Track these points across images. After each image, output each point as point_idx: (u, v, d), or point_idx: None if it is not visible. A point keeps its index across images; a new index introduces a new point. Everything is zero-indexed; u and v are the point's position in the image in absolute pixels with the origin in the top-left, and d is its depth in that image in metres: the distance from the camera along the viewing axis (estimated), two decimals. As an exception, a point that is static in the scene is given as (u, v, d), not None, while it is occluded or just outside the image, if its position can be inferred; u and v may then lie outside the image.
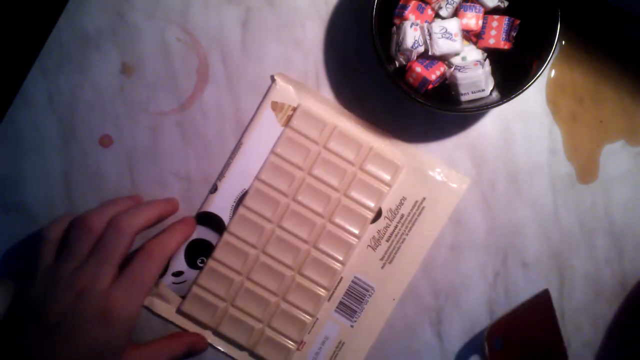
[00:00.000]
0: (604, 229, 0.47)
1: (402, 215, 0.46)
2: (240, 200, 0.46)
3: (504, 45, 0.43)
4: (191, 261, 0.46)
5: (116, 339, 0.39)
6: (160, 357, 0.42)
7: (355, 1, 0.47)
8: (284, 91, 0.46)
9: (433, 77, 0.42)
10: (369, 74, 0.47)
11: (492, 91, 0.43)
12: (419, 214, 0.46)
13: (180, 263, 0.46)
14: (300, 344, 0.46)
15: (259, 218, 0.45)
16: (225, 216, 0.46)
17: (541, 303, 0.45)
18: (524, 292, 0.47)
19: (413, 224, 0.46)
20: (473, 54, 0.43)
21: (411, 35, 0.42)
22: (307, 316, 0.46)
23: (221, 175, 0.46)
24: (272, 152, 0.46)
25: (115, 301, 0.38)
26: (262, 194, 0.45)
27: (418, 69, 0.42)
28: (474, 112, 0.42)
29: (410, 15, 0.42)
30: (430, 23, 0.42)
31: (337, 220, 0.45)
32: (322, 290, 0.45)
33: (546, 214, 0.47)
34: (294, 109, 0.46)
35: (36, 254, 0.42)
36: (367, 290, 0.46)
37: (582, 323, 0.47)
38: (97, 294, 0.38)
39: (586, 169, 0.47)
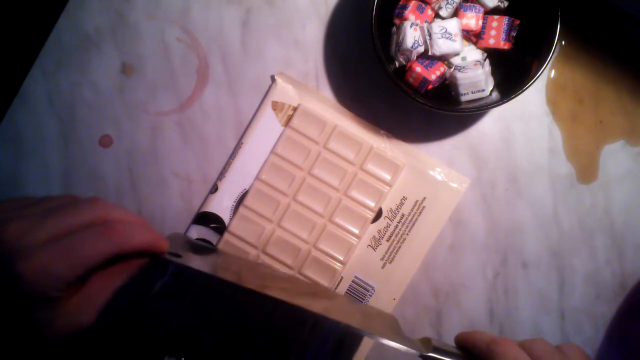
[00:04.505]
0: (604, 229, 0.47)
1: (403, 215, 0.46)
2: (240, 200, 0.46)
3: (504, 45, 0.43)
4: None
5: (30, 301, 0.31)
6: (105, 292, 0.33)
7: (355, 1, 0.47)
8: (284, 91, 0.46)
9: (433, 77, 0.42)
10: (369, 74, 0.47)
11: (492, 91, 0.43)
12: (420, 213, 0.46)
13: (180, 263, 0.46)
14: (300, 344, 0.46)
15: (260, 218, 0.45)
16: (225, 216, 0.46)
17: None
18: (524, 292, 0.47)
19: (413, 224, 0.46)
20: (473, 54, 0.43)
21: (411, 35, 0.42)
22: (307, 316, 0.46)
23: (221, 175, 0.46)
24: (273, 152, 0.46)
25: (31, 268, 0.29)
26: (262, 194, 0.45)
27: (418, 69, 0.42)
28: (474, 112, 0.42)
29: (410, 15, 0.42)
30: (430, 23, 0.42)
31: (338, 220, 0.45)
32: (322, 290, 0.45)
33: (546, 214, 0.47)
34: (294, 109, 0.46)
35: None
36: (368, 290, 0.46)
37: (582, 323, 0.47)
38: (14, 248, 0.30)
39: (586, 169, 0.47)
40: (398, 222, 0.46)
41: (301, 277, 0.45)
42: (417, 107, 0.45)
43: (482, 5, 0.43)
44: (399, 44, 0.42)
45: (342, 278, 0.46)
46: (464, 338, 0.34)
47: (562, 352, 0.32)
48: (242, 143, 0.46)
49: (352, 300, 0.45)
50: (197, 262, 0.37)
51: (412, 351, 0.32)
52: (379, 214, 0.46)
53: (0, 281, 0.29)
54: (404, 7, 0.43)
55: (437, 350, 0.33)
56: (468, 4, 0.43)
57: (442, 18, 0.43)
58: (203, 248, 0.44)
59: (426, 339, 0.34)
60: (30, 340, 0.31)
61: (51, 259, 0.30)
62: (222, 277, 0.35)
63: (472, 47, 0.44)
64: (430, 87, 0.43)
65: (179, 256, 0.35)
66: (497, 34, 0.43)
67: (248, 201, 0.45)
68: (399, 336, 0.35)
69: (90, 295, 0.32)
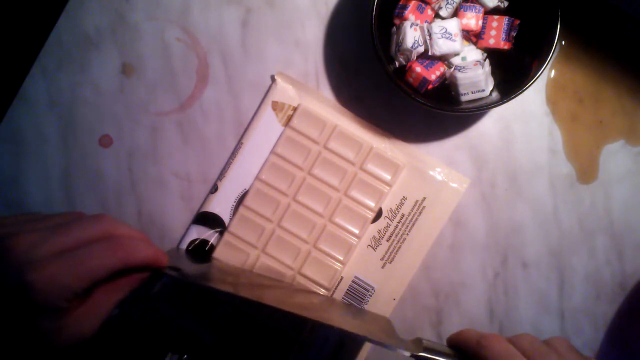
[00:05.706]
0: (604, 229, 0.47)
1: (403, 215, 0.46)
2: (240, 200, 0.46)
3: (504, 45, 0.43)
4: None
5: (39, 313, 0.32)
6: (109, 304, 0.34)
7: (355, 1, 0.47)
8: (285, 91, 0.46)
9: (433, 77, 0.42)
10: (369, 74, 0.47)
11: (492, 91, 0.43)
12: (420, 213, 0.46)
13: (180, 263, 0.46)
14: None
15: (260, 218, 0.45)
16: (225, 216, 0.46)
17: None
18: (524, 292, 0.47)
19: (413, 224, 0.46)
20: (473, 54, 0.43)
21: (411, 35, 0.42)
22: (307, 316, 0.46)
23: (221, 175, 0.46)
24: (273, 152, 0.46)
25: (41, 279, 0.30)
26: (262, 194, 0.45)
27: (418, 69, 0.42)
28: (474, 112, 0.42)
29: (410, 15, 0.42)
30: (430, 23, 0.42)
31: (338, 220, 0.45)
32: (323, 290, 0.45)
33: (546, 214, 0.47)
34: (295, 109, 0.46)
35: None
36: (368, 290, 0.46)
37: (582, 323, 0.47)
38: (24, 260, 0.31)
39: (586, 169, 0.47)
40: (398, 222, 0.46)
41: (301, 277, 0.45)
42: (417, 107, 0.45)
43: (482, 5, 0.43)
44: (399, 44, 0.42)
45: (342, 278, 0.46)
46: (454, 337, 0.35)
47: (549, 344, 0.33)
48: (242, 143, 0.46)
49: (347, 305, 0.45)
50: (194, 276, 0.38)
51: (404, 352, 0.33)
52: (379, 214, 0.46)
53: (11, 290, 0.31)
54: (404, 7, 0.43)
55: (427, 350, 0.34)
56: (468, 4, 0.43)
57: (442, 18, 0.43)
58: (198, 264, 0.44)
59: (417, 340, 0.35)
60: (36, 348, 0.32)
61: (60, 271, 0.31)
62: (220, 289, 0.36)
63: (472, 47, 0.44)
64: (430, 87, 0.43)
65: (178, 270, 0.37)
66: (497, 34, 0.43)
67: (248, 201, 0.45)
68: (390, 337, 0.36)
69: (94, 307, 0.34)
